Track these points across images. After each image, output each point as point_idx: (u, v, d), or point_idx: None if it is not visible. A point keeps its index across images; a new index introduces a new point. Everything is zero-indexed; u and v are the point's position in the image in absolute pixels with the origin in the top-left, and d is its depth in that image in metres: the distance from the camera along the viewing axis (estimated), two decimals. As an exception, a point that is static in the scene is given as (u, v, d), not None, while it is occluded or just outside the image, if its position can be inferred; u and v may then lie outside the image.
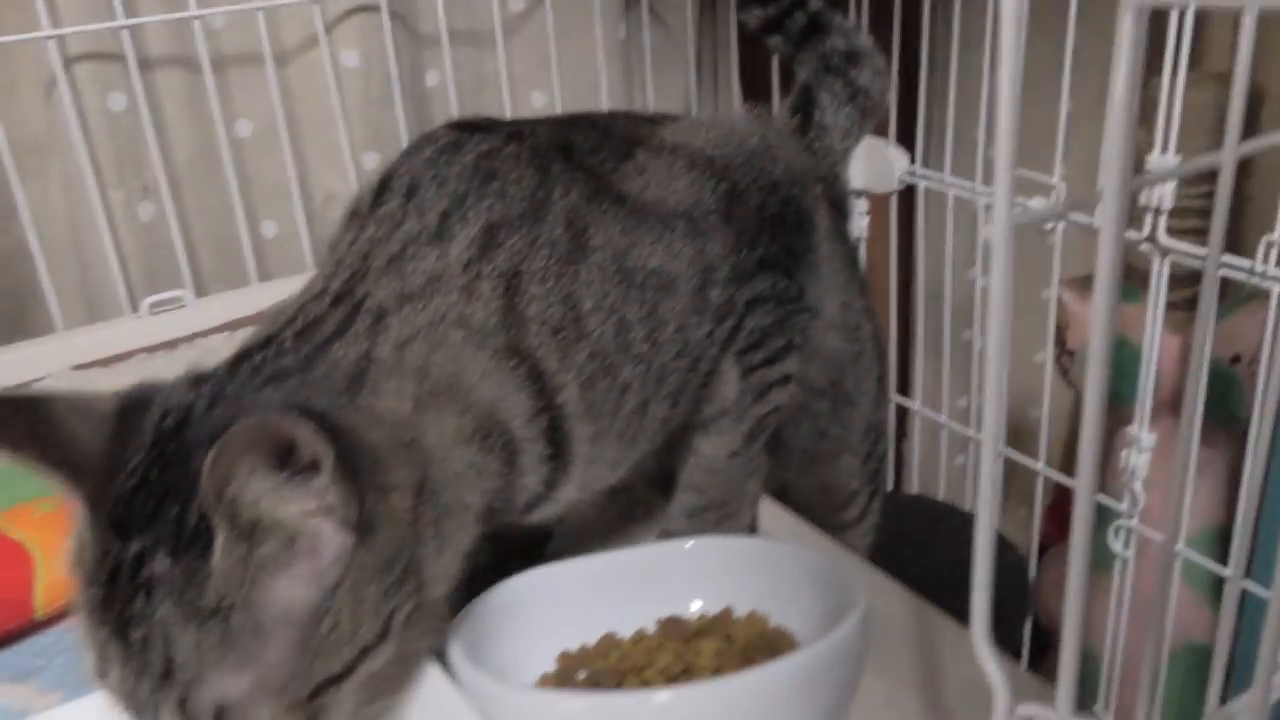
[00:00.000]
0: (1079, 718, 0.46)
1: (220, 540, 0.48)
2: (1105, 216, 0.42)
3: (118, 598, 0.50)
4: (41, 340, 1.10)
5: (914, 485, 1.60)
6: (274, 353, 0.56)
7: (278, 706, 0.50)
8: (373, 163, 1.25)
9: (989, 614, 0.48)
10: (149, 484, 0.51)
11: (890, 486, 1.59)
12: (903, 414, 1.56)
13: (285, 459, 0.48)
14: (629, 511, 0.80)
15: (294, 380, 0.54)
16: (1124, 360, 1.36)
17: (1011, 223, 0.43)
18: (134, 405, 0.54)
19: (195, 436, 0.52)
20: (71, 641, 0.73)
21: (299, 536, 0.50)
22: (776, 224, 0.69)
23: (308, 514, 0.50)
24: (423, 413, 0.56)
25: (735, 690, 0.54)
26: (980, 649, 0.47)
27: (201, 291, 1.17)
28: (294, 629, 0.50)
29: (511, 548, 0.69)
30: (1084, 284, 1.36)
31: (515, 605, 0.65)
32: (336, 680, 0.51)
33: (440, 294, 0.58)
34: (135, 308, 1.13)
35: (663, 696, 0.54)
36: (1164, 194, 1.05)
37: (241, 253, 1.19)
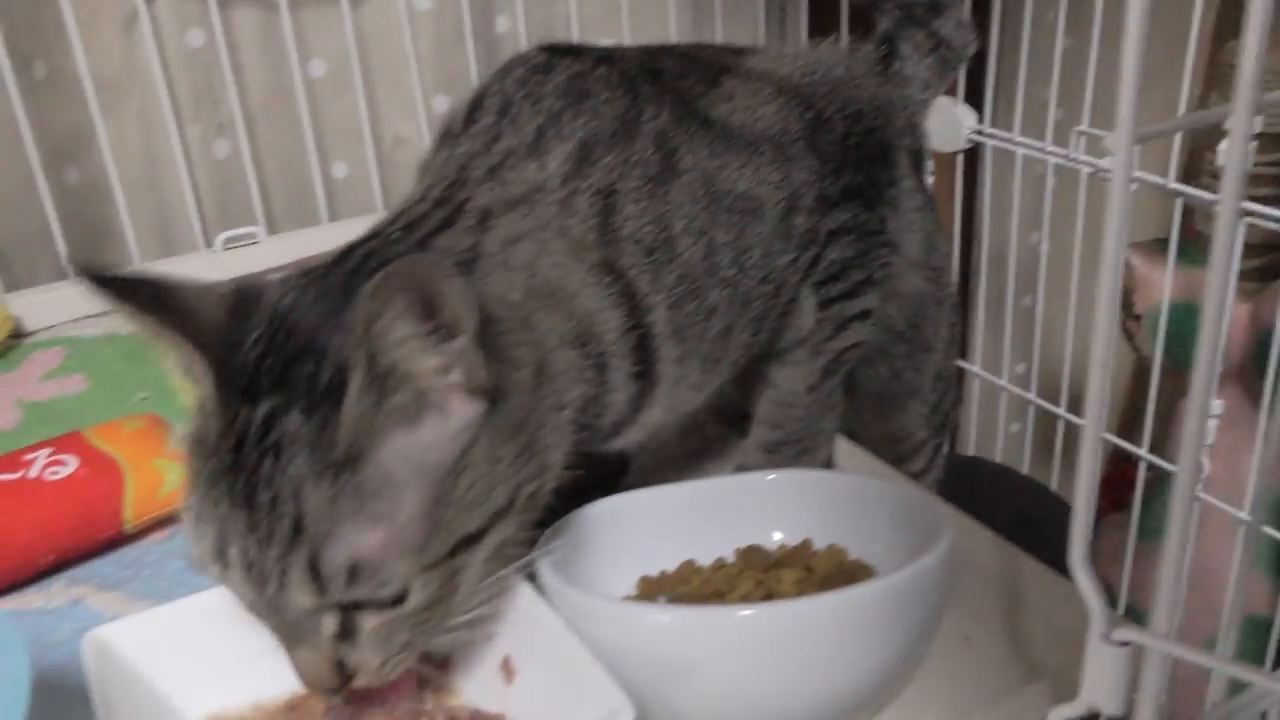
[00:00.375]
0: (1178, 643, 0.46)
1: (354, 385, 0.49)
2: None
3: (244, 463, 0.50)
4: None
5: (969, 449, 1.59)
6: (382, 243, 0.57)
7: (416, 565, 0.51)
8: (442, 107, 1.26)
9: (1088, 536, 0.48)
10: (274, 351, 0.52)
11: (947, 449, 1.59)
12: (959, 378, 1.55)
13: (429, 315, 0.49)
14: (704, 448, 0.80)
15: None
16: (1192, 325, 1.34)
17: (1128, 181, 0.43)
18: (247, 291, 0.55)
19: (319, 305, 0.53)
20: (156, 555, 0.75)
21: (430, 394, 0.51)
22: (860, 154, 0.69)
23: (442, 373, 0.50)
24: (532, 306, 0.57)
25: (820, 611, 0.54)
26: (1078, 570, 0.48)
27: (273, 229, 1.19)
28: (429, 487, 0.51)
29: (589, 481, 0.70)
30: (1153, 247, 1.35)
31: (596, 529, 0.65)
32: (472, 541, 0.52)
33: (541, 204, 0.59)
34: (209, 243, 1.16)
35: (748, 612, 0.54)
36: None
37: (313, 192, 1.20)
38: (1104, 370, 0.46)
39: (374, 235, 0.59)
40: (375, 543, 0.50)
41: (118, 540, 0.75)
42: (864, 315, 0.73)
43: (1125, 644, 0.47)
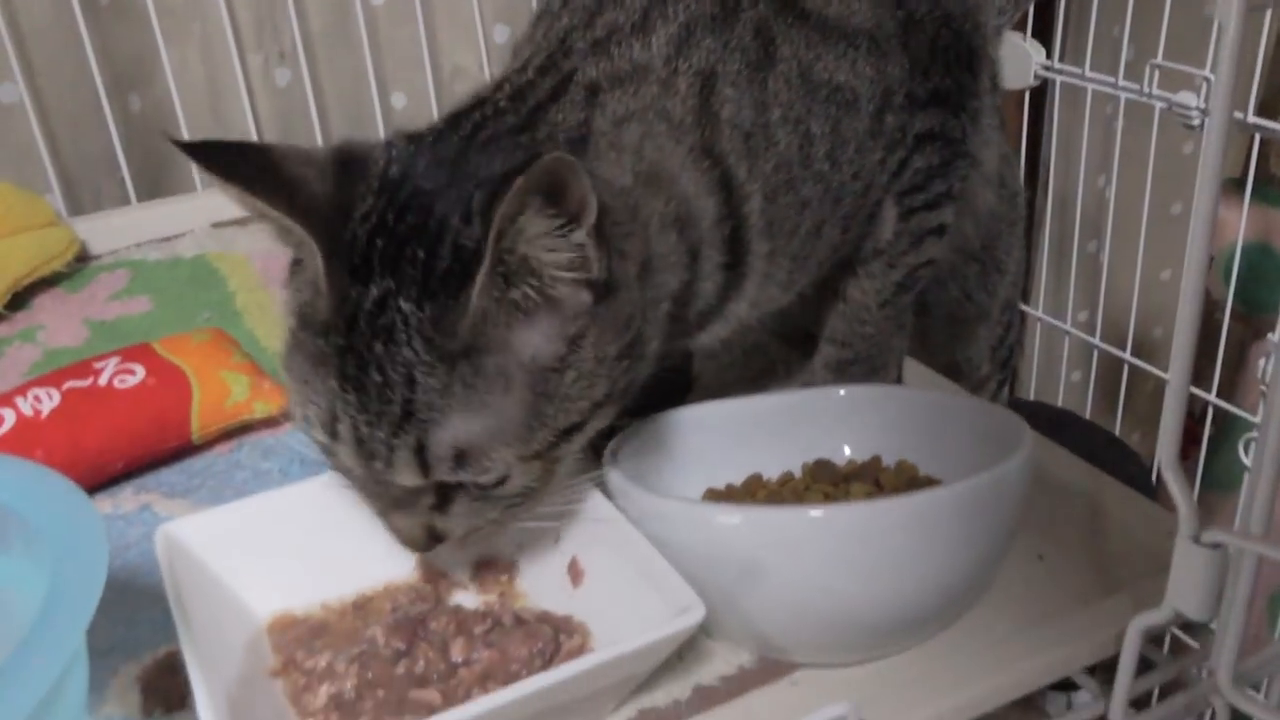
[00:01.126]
0: (1270, 543, 0.45)
1: (483, 277, 0.48)
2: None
3: (356, 344, 0.50)
4: (182, 198, 1.13)
5: (1030, 397, 1.57)
6: (490, 112, 0.56)
7: (519, 454, 0.51)
8: (502, 37, 1.25)
9: (1179, 436, 0.47)
10: (386, 229, 0.51)
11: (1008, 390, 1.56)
12: (1020, 324, 1.53)
13: (563, 209, 0.49)
14: (768, 369, 0.79)
15: (522, 138, 0.55)
16: (1266, 268, 1.31)
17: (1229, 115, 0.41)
18: (350, 154, 0.54)
19: (432, 181, 0.52)
20: (222, 466, 0.76)
21: (549, 287, 0.50)
22: (948, 57, 0.67)
23: (565, 267, 0.50)
24: (639, 190, 0.56)
25: (892, 514, 0.53)
26: (1168, 471, 0.46)
27: (336, 158, 1.18)
28: (537, 377, 0.51)
29: (652, 399, 0.69)
30: (1227, 187, 1.31)
31: (665, 440, 0.65)
32: (570, 432, 0.52)
33: (646, 84, 0.58)
34: (271, 170, 1.15)
35: (818, 513, 0.53)
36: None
37: (372, 121, 1.20)
38: (1199, 270, 0.44)
39: (480, 103, 0.57)
40: (482, 431, 0.50)
41: (184, 450, 0.75)
42: (940, 230, 0.71)
43: (1215, 546, 0.46)
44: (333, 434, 0.52)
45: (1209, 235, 0.44)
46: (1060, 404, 1.54)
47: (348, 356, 0.50)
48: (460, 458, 0.51)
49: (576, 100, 0.57)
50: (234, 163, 0.52)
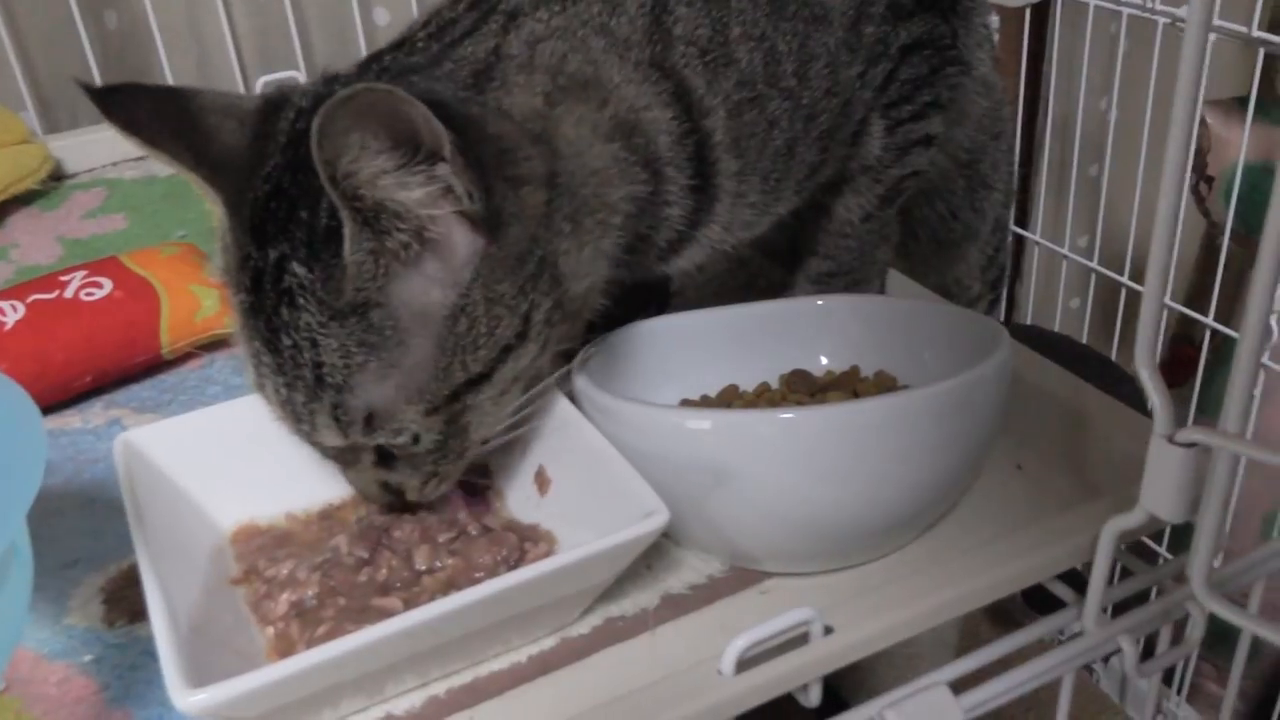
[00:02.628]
0: (1250, 442, 0.43)
1: (348, 229, 0.47)
2: None
3: (264, 306, 0.50)
4: (159, 116, 1.10)
5: (1027, 322, 1.55)
6: (405, 53, 0.55)
7: (419, 409, 0.50)
8: (488, -48, 1.22)
9: (1156, 334, 0.45)
10: (282, 188, 0.50)
11: (1001, 320, 1.55)
12: (1017, 250, 1.51)
13: (408, 144, 0.46)
14: (750, 282, 0.78)
15: (419, 75, 0.53)
16: (1267, 188, 1.28)
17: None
18: (275, 105, 0.53)
19: None
20: (194, 381, 0.75)
21: (426, 229, 0.48)
22: None
23: (434, 204, 0.48)
24: (554, 105, 0.54)
25: (865, 415, 0.52)
26: (1142, 368, 0.45)
27: (313, 74, 1.16)
28: (432, 328, 0.49)
29: (629, 307, 0.67)
30: (1231, 105, 1.28)
31: (638, 350, 0.63)
32: (477, 383, 0.51)
33: (580, 2, 0.56)
34: (249, 88, 1.13)
35: (789, 415, 0.52)
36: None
37: (354, 38, 1.18)
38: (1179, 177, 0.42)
39: (399, 43, 0.56)
40: (389, 391, 0.49)
41: (155, 364, 0.74)
42: (928, 141, 0.69)
43: (1191, 445, 0.44)
44: (262, 390, 0.52)
45: (1187, 144, 0.43)
46: (1058, 328, 1.52)
47: (259, 318, 0.50)
48: (370, 420, 0.50)
49: (492, 29, 0.55)
50: (138, 113, 0.51)
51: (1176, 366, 1.57)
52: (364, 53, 1.17)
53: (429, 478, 0.54)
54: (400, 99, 0.45)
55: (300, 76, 1.11)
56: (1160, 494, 0.46)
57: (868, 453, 0.52)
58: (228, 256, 0.52)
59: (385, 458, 0.53)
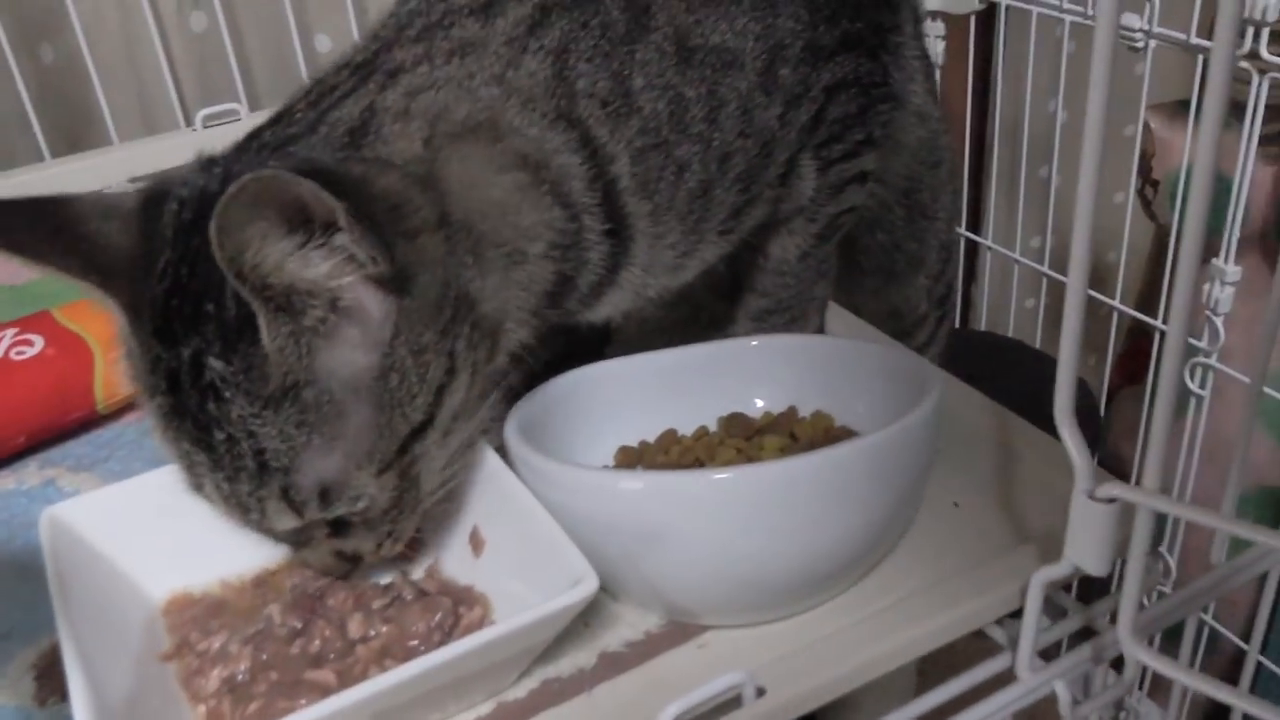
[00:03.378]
0: (1165, 497, 0.44)
1: (262, 319, 0.47)
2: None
3: (187, 405, 0.49)
4: (99, 153, 1.09)
5: (981, 326, 1.56)
6: (284, 126, 0.54)
7: (371, 471, 0.50)
8: (428, -25, 1.21)
9: (1073, 390, 0.45)
10: (180, 284, 0.49)
11: (956, 325, 1.55)
12: (971, 253, 1.51)
13: (302, 223, 0.46)
14: (693, 317, 0.77)
15: (297, 146, 0.52)
16: (1215, 192, 1.29)
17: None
18: (154, 199, 0.52)
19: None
20: (132, 435, 0.74)
21: (339, 301, 0.48)
22: None
23: (341, 274, 0.48)
24: (438, 149, 0.53)
25: (798, 472, 0.52)
26: (1062, 425, 0.45)
27: (255, 106, 1.15)
28: (365, 392, 0.49)
29: (571, 349, 0.67)
30: (1174, 109, 1.29)
31: (574, 397, 0.63)
32: (421, 430, 0.51)
33: (471, 57, 0.55)
34: (190, 122, 1.12)
35: (723, 475, 0.52)
36: (1268, 4, 0.97)
37: (295, 66, 1.16)
38: (1090, 199, 0.43)
39: (280, 116, 0.55)
40: (337, 462, 0.49)
41: (91, 421, 0.73)
42: (863, 178, 0.69)
43: (1111, 501, 0.45)
44: (203, 494, 0.51)
45: (1099, 159, 0.43)
46: (1013, 331, 1.53)
47: (184, 419, 0.49)
48: (325, 494, 0.50)
49: (370, 90, 0.54)
50: (15, 231, 0.49)
51: (1135, 360, 1.59)
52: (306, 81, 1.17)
53: (385, 537, 0.54)
54: (286, 181, 0.44)
55: (242, 109, 1.10)
56: (1084, 546, 0.46)
57: (802, 507, 0.52)
58: (134, 361, 0.51)
59: (339, 527, 0.53)
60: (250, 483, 0.49)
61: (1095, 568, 0.46)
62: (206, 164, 0.52)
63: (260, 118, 1.09)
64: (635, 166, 0.58)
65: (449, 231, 0.52)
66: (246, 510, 0.50)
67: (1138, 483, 0.45)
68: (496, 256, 0.54)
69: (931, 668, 0.58)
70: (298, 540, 0.53)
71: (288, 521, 0.51)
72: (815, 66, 0.62)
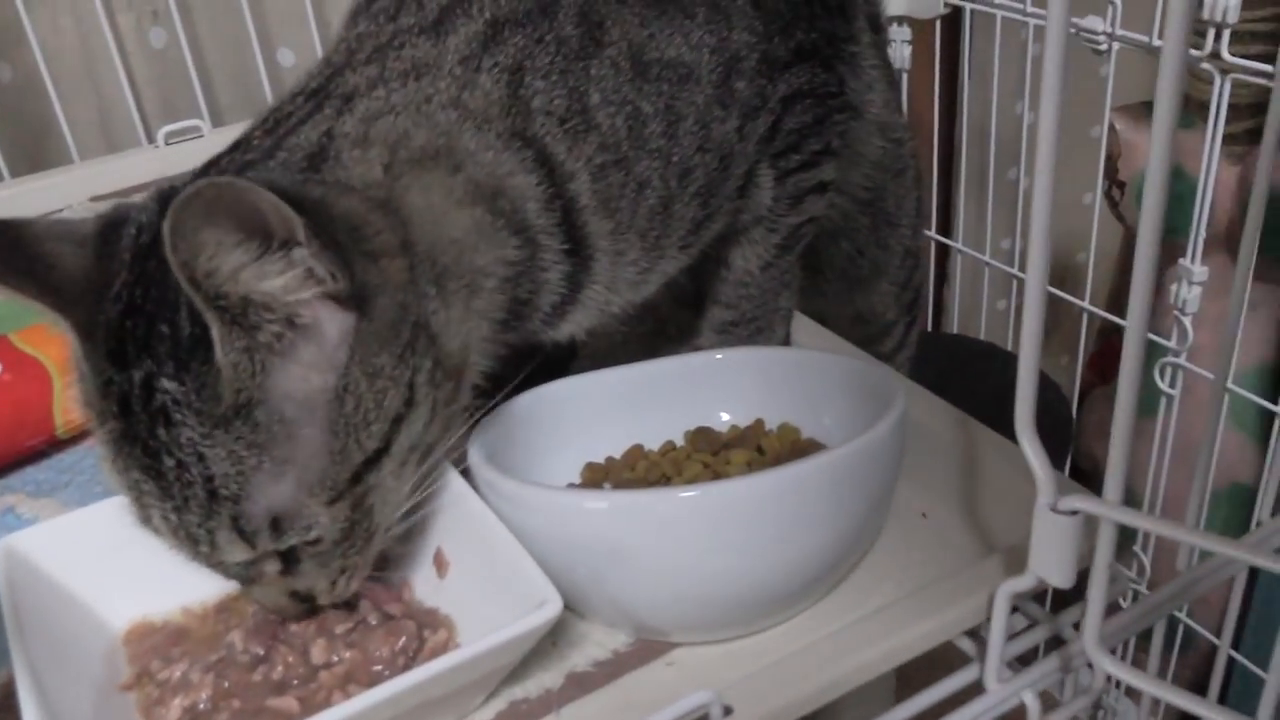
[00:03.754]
0: (1127, 509, 0.44)
1: (216, 331, 0.46)
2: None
3: (137, 431, 0.48)
4: (59, 171, 1.08)
5: (953, 328, 1.56)
6: (242, 152, 0.53)
7: (321, 500, 0.49)
8: (391, -13, 1.20)
9: (1033, 401, 0.45)
10: (135, 305, 0.48)
11: (929, 328, 1.55)
12: (942, 256, 1.52)
13: (259, 234, 0.45)
14: (659, 330, 0.77)
15: (253, 171, 0.52)
16: (1179, 191, 1.30)
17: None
18: (113, 225, 0.51)
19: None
20: (92, 460, 0.73)
21: (296, 317, 0.47)
22: (813, 8, 0.64)
23: (298, 289, 0.47)
24: (398, 176, 0.53)
25: (763, 488, 0.52)
26: (1022, 436, 0.45)
27: (218, 122, 1.14)
28: (319, 414, 0.48)
29: (537, 365, 0.67)
30: (1139, 111, 1.29)
31: (538, 415, 0.63)
32: (375, 460, 0.50)
33: (424, 79, 0.55)
34: (151, 139, 1.11)
35: (688, 493, 0.52)
36: (1228, 5, 0.98)
37: (258, 82, 1.15)
38: (1046, 213, 0.43)
39: (238, 144, 0.54)
40: (288, 490, 0.48)
41: (50, 446, 0.72)
42: (821, 188, 0.69)
43: (1073, 513, 0.45)
44: (148, 523, 0.50)
45: (1053, 158, 0.43)
46: (984, 333, 1.54)
47: (134, 445, 0.48)
48: (277, 524, 0.49)
49: (326, 114, 0.54)
50: None
51: (1106, 361, 1.59)
52: (269, 98, 1.16)
53: (338, 574, 0.52)
54: (244, 188, 0.44)
55: (204, 125, 1.09)
56: (1048, 559, 0.46)
57: (768, 523, 0.51)
58: (86, 386, 0.50)
59: (290, 563, 0.51)
60: (199, 512, 0.48)
61: (1059, 580, 0.46)
62: (167, 192, 0.52)
63: (223, 134, 1.10)
64: (595, 184, 0.57)
65: (412, 259, 0.51)
66: (196, 542, 0.49)
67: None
68: (457, 288, 0.54)
69: (913, 672, 0.58)
70: (248, 577, 0.52)
71: (238, 553, 0.50)
72: (771, 78, 0.62)
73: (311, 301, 0.48)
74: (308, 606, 0.54)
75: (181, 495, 0.48)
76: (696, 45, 0.59)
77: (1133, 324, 0.41)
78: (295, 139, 0.53)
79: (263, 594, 0.53)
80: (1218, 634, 1.23)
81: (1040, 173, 0.41)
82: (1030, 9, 1.20)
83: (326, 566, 0.52)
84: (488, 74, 0.56)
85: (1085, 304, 1.26)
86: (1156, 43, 1.09)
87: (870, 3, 0.83)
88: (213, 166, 0.54)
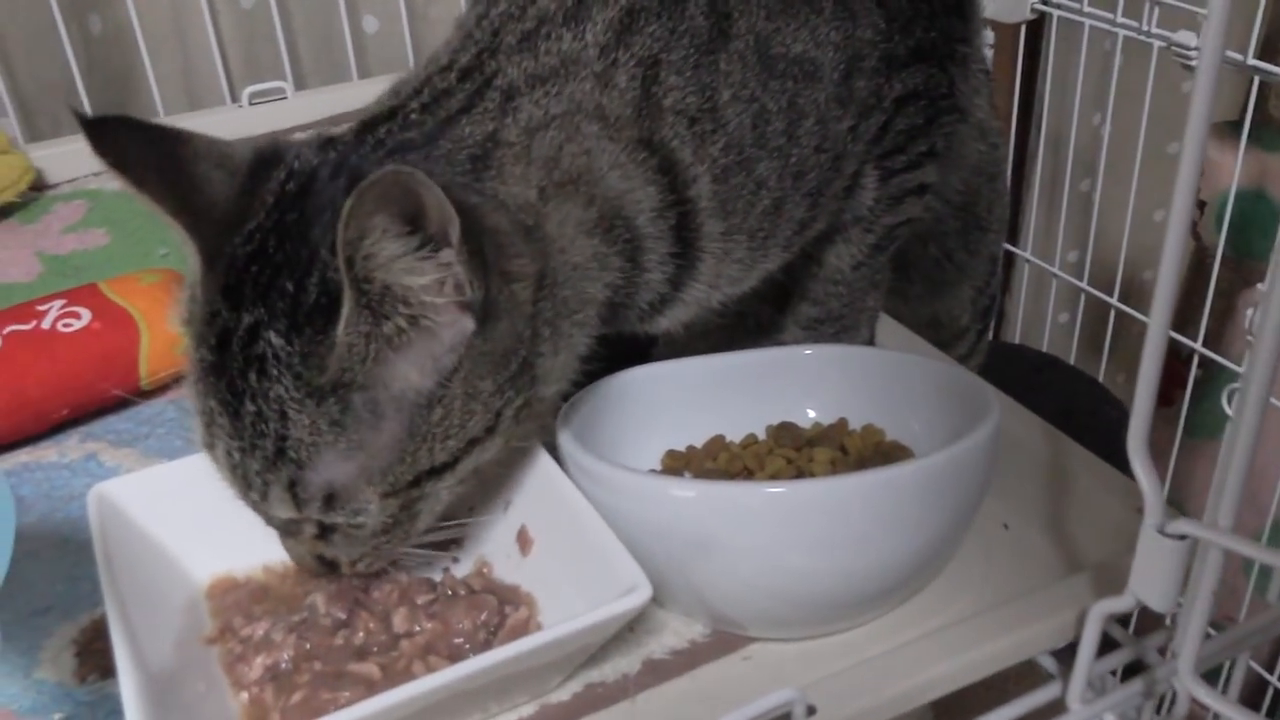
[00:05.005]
0: (1238, 537, 0.43)
1: (347, 309, 0.46)
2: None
3: (228, 367, 0.48)
4: (143, 125, 1.09)
5: (1014, 338, 1.55)
6: (400, 124, 0.53)
7: (377, 491, 0.49)
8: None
9: (1149, 420, 0.45)
10: (266, 252, 0.48)
11: (990, 336, 1.54)
12: (1008, 264, 1.50)
13: (419, 230, 0.46)
14: (739, 322, 0.77)
15: (418, 154, 0.51)
16: (1260, 214, 1.28)
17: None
18: (265, 162, 0.52)
19: (316, 205, 0.49)
20: (173, 413, 0.74)
21: (422, 317, 0.47)
22: (933, 5, 0.63)
23: (436, 291, 0.47)
24: (547, 201, 0.53)
25: (851, 491, 0.51)
26: (1135, 458, 0.44)
27: (301, 85, 1.15)
28: (406, 413, 0.48)
29: (618, 350, 0.66)
30: (1223, 130, 1.27)
31: (623, 400, 0.63)
32: (439, 471, 0.50)
33: (574, 79, 0.54)
34: (235, 98, 1.12)
35: (776, 488, 0.51)
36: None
37: (342, 47, 1.16)
38: (1180, 239, 0.42)
39: (393, 112, 0.54)
40: (352, 471, 0.48)
41: (133, 397, 0.73)
42: (922, 189, 0.68)
43: (1181, 538, 0.44)
44: (213, 453, 0.50)
45: (1194, 188, 0.42)
46: (1046, 345, 1.52)
47: (222, 378, 0.48)
48: (330, 499, 0.49)
49: (489, 109, 0.53)
50: (130, 151, 0.49)
51: (1166, 382, 1.57)
52: (352, 63, 1.16)
53: (363, 555, 0.53)
54: (420, 182, 0.44)
55: (287, 86, 1.09)
56: (1149, 582, 0.46)
57: (854, 525, 0.51)
58: (193, 308, 0.51)
59: (326, 532, 0.52)
60: (263, 463, 0.49)
61: (1160, 604, 0.45)
62: (325, 144, 0.52)
63: (306, 97, 1.10)
64: (716, 186, 0.57)
65: (540, 293, 0.52)
66: (249, 487, 0.50)
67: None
68: (569, 328, 0.54)
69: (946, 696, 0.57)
70: (285, 529, 0.52)
71: (285, 511, 0.50)
72: (888, 77, 0.61)
73: (442, 306, 0.48)
74: (327, 570, 0.54)
75: (251, 441, 0.48)
76: (822, 41, 0.59)
77: (1259, 357, 0.40)
78: (459, 131, 0.52)
79: (290, 545, 0.54)
80: (1268, 667, 1.21)
81: (1176, 210, 0.40)
82: (1120, 19, 1.18)
83: (356, 546, 0.52)
84: (624, 70, 0.55)
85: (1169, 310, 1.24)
86: (1252, 62, 1.07)
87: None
88: (370, 132, 0.53)
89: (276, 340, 0.47)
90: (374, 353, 0.47)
